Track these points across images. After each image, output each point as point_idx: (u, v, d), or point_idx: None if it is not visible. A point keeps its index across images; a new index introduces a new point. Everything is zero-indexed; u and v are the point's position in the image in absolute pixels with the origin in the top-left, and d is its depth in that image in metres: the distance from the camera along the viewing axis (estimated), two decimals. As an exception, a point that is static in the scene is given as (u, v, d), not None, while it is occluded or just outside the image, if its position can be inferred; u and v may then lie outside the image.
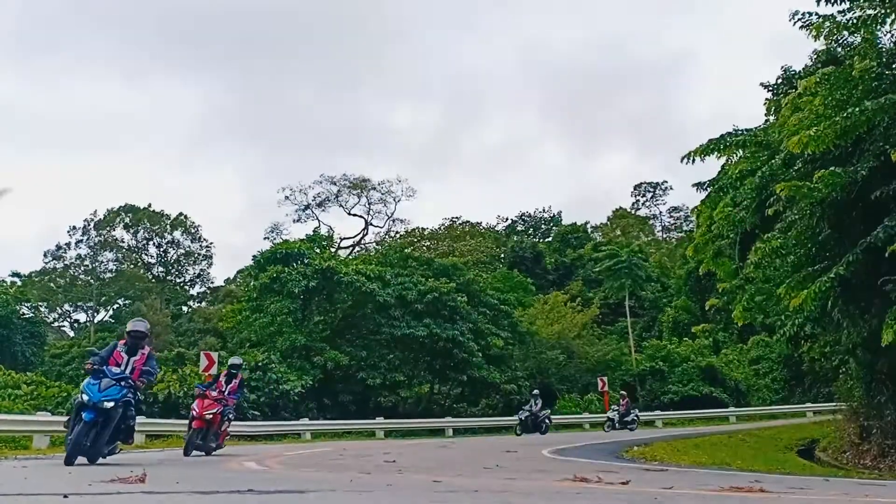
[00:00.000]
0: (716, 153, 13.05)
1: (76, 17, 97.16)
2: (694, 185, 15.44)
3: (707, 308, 18.49)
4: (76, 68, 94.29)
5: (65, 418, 18.05)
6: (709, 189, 14.71)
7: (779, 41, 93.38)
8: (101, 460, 8.87)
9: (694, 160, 12.83)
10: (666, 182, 76.84)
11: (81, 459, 8.76)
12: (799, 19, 10.93)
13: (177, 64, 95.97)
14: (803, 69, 12.76)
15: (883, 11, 10.02)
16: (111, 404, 8.79)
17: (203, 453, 12.36)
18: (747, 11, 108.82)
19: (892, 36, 10.80)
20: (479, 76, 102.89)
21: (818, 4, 10.62)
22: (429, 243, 57.69)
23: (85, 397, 8.76)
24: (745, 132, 13.10)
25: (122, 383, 9.05)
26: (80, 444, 8.57)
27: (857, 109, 8.77)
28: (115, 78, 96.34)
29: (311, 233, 44.75)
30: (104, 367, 9.10)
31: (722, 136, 12.92)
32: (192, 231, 65.17)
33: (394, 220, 62.95)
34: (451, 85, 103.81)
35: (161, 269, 65.87)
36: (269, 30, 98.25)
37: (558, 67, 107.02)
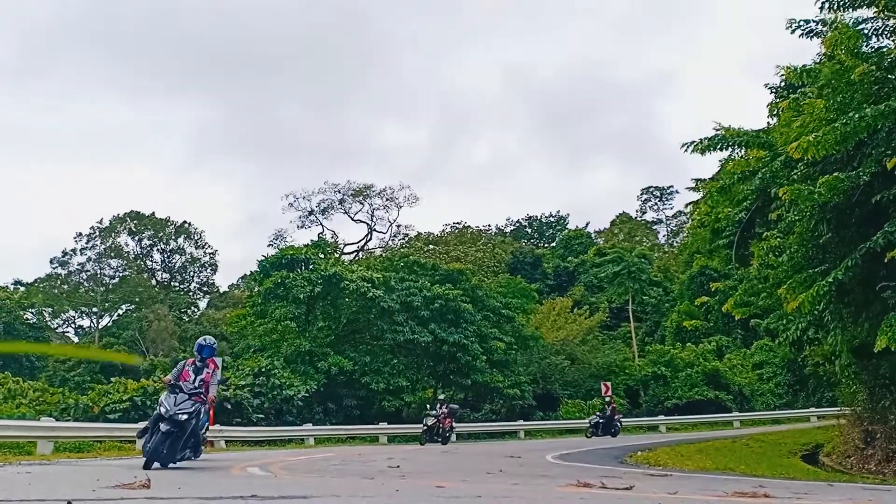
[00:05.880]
0: (717, 150, 12.98)
1: (74, 42, 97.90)
2: (693, 181, 15.45)
3: (697, 304, 18.59)
4: (75, 89, 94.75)
5: (72, 423, 18.20)
6: (705, 187, 14.72)
7: (754, 59, 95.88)
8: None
9: (694, 152, 12.70)
10: (672, 186, 76.66)
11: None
12: (797, 27, 10.97)
13: (175, 85, 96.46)
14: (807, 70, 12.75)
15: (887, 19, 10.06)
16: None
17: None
18: (724, 32, 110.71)
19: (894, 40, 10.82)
20: (466, 96, 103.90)
21: (821, 11, 10.65)
22: (435, 248, 57.68)
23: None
24: (748, 132, 13.06)
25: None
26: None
27: (857, 115, 8.77)
28: (113, 98, 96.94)
29: (317, 238, 44.83)
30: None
31: (724, 134, 12.86)
32: (197, 238, 65.33)
33: (398, 226, 63.18)
34: (442, 107, 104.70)
35: (165, 275, 66.01)
36: (265, 54, 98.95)
37: (542, 88, 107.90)
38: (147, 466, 9.13)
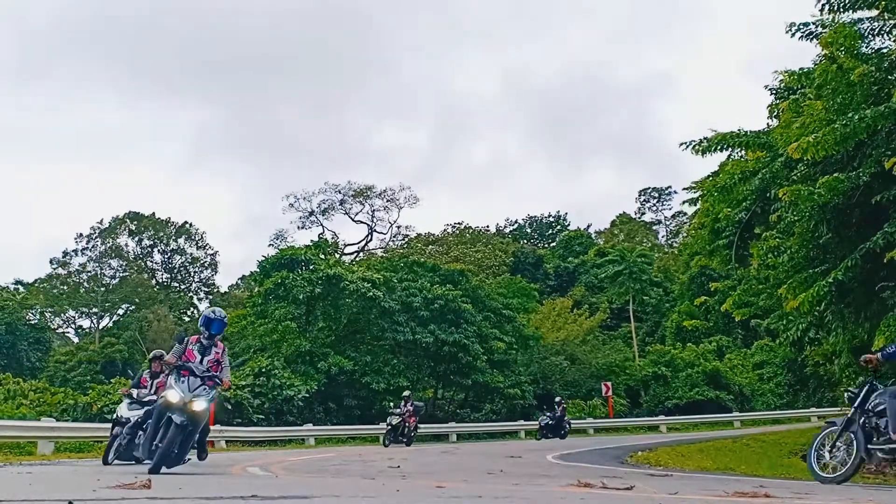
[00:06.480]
0: (717, 150, 12.97)
1: (74, 43, 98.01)
2: (693, 183, 15.51)
3: (697, 304, 18.68)
4: (75, 89, 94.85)
5: (72, 423, 18.07)
6: (702, 186, 14.78)
7: (754, 60, 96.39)
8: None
9: (695, 153, 12.68)
10: (670, 187, 76.85)
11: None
12: (797, 30, 11.02)
13: (175, 86, 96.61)
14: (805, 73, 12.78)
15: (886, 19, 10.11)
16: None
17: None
18: (724, 34, 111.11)
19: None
20: (466, 97, 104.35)
21: (821, 13, 10.70)
22: (435, 248, 57.74)
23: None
24: (748, 133, 13.06)
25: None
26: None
27: (857, 116, 8.79)
28: (113, 98, 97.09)
29: (317, 239, 44.88)
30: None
31: (724, 134, 12.88)
32: (197, 238, 65.38)
33: (398, 227, 63.25)
34: (441, 108, 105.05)
35: (166, 275, 66.04)
36: (265, 55, 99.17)
37: (542, 89, 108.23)
38: (156, 470, 7.50)
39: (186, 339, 8.52)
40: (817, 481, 7.57)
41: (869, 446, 7.36)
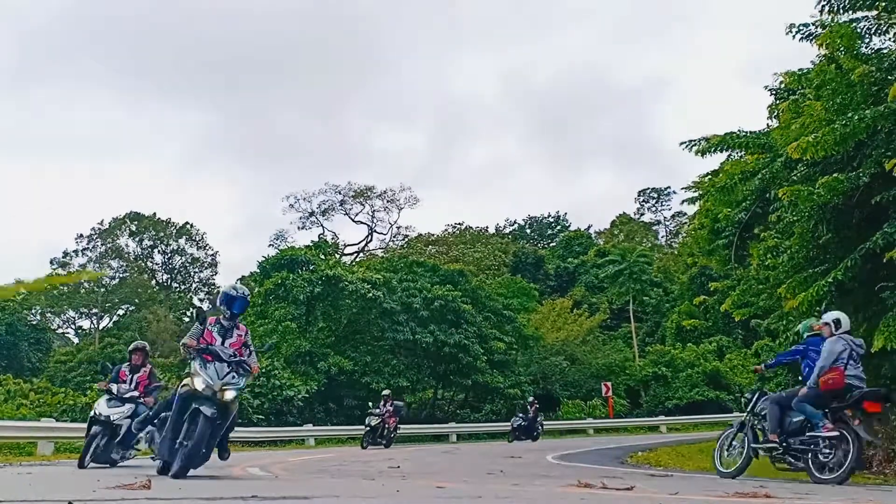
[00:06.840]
0: (717, 151, 12.98)
1: (74, 44, 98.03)
2: (693, 183, 15.52)
3: (696, 304, 18.71)
4: (76, 90, 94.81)
5: (72, 424, 17.98)
6: (701, 185, 14.79)
7: (754, 60, 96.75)
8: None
9: (696, 153, 12.68)
10: (669, 187, 76.90)
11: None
12: (797, 31, 11.05)
13: (176, 87, 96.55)
14: (804, 74, 12.79)
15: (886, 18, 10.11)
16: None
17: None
18: (723, 34, 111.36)
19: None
20: (466, 99, 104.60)
21: (820, 14, 10.71)
22: (435, 248, 57.81)
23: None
24: (747, 133, 13.07)
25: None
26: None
27: (857, 117, 8.79)
28: (114, 100, 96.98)
29: (316, 239, 44.94)
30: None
31: (724, 135, 12.89)
32: (197, 239, 65.44)
33: (398, 227, 63.34)
34: (441, 108, 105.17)
35: (166, 276, 66.10)
36: (266, 57, 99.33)
37: (541, 90, 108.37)
38: (183, 473, 6.61)
39: (206, 318, 7.41)
40: (718, 475, 8.73)
41: (753, 445, 8.57)
